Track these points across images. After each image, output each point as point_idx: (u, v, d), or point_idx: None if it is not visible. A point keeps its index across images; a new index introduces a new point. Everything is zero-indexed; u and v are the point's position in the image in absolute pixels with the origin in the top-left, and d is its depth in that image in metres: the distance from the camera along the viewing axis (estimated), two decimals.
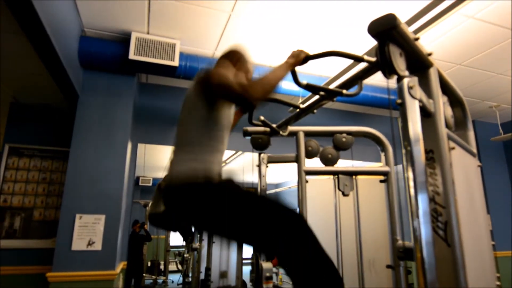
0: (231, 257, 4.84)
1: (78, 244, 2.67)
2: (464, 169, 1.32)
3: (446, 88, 1.41)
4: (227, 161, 6.41)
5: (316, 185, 2.52)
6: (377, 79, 3.60)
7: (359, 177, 2.51)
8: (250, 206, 1.22)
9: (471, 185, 1.38)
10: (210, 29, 2.84)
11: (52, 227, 3.17)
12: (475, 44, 2.99)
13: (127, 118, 3.09)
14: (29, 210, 3.24)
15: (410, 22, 2.19)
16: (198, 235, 5.17)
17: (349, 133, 2.46)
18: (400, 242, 2.07)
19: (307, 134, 2.47)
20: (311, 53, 1.41)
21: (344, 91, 1.46)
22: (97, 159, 2.89)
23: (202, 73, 1.41)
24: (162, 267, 7.64)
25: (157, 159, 6.74)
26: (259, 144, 2.46)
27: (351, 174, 2.42)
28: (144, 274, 6.72)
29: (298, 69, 1.50)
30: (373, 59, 1.19)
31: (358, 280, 2.37)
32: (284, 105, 1.92)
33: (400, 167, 4.28)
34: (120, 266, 3.21)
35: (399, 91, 1.05)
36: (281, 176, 9.26)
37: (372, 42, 1.15)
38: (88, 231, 2.72)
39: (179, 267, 7.46)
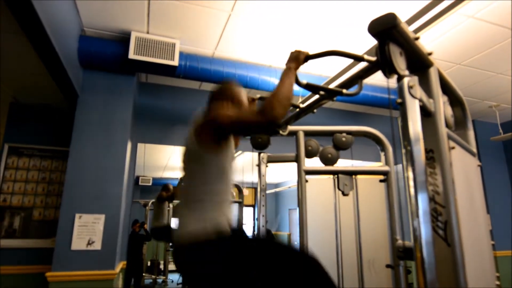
0: None
1: (78, 243, 2.67)
2: (464, 168, 1.32)
3: (446, 87, 1.41)
4: None
5: (316, 185, 2.52)
6: (377, 78, 3.60)
7: (359, 176, 2.51)
8: (265, 263, 1.22)
9: (471, 185, 1.38)
10: (210, 28, 2.83)
11: (51, 226, 3.17)
12: (475, 43, 2.99)
13: (126, 118, 3.08)
14: (29, 209, 3.24)
15: (410, 22, 2.19)
16: None
17: (349, 132, 2.46)
18: (400, 241, 2.07)
19: (307, 134, 2.47)
20: (311, 52, 1.41)
21: (344, 91, 1.46)
22: (96, 159, 2.89)
23: (199, 122, 1.38)
24: (162, 266, 7.64)
25: (157, 159, 6.73)
26: (258, 143, 2.46)
27: (351, 173, 2.42)
28: (143, 274, 6.72)
29: None
30: (373, 58, 1.19)
31: (358, 279, 2.38)
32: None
33: (400, 166, 4.28)
34: (120, 265, 3.21)
35: (399, 91, 1.05)
36: (280, 176, 9.26)
37: (372, 42, 1.15)
38: (87, 231, 2.72)
39: None
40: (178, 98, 3.99)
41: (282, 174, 8.78)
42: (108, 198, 2.85)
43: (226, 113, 1.33)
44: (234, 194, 5.98)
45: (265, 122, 1.20)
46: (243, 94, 1.56)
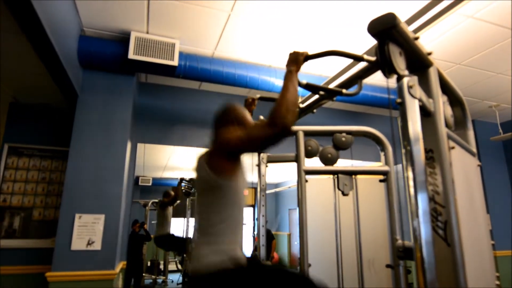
0: None
1: (78, 243, 2.67)
2: (463, 168, 1.32)
3: (446, 87, 1.41)
4: None
5: (316, 185, 2.52)
6: (377, 78, 3.60)
7: (358, 176, 2.51)
8: None
9: (470, 185, 1.38)
10: (209, 28, 2.83)
11: (51, 226, 3.17)
12: (474, 43, 2.99)
13: (126, 118, 3.08)
14: (29, 209, 3.24)
15: (409, 22, 2.19)
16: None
17: (348, 132, 2.46)
18: (399, 241, 2.07)
19: (307, 134, 2.47)
20: (310, 52, 1.41)
21: (344, 91, 1.46)
22: (96, 159, 2.89)
23: (209, 151, 1.40)
24: (161, 266, 7.63)
25: (156, 159, 6.73)
26: None
27: (351, 173, 2.42)
28: (143, 274, 6.71)
29: None
30: (373, 58, 1.19)
31: (358, 279, 2.38)
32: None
33: (399, 166, 4.28)
34: (120, 265, 3.21)
35: (399, 91, 1.05)
36: (280, 176, 9.26)
37: (372, 42, 1.15)
38: (87, 231, 2.72)
39: (179, 266, 7.46)
40: (177, 98, 3.99)
41: (282, 174, 8.78)
42: (108, 198, 2.85)
43: (236, 134, 1.33)
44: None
45: (277, 133, 1.20)
46: (246, 113, 1.56)
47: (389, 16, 1.03)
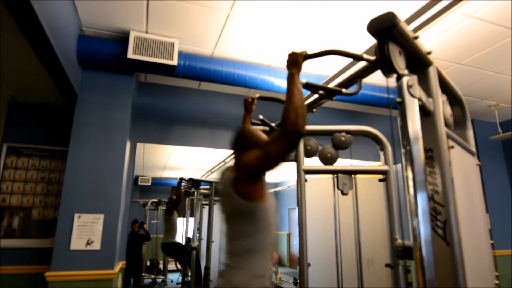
0: None
1: (77, 243, 2.67)
2: (463, 168, 1.32)
3: (445, 87, 1.41)
4: (226, 160, 6.40)
5: (315, 184, 2.52)
6: (376, 78, 3.60)
7: (358, 176, 2.51)
8: None
9: (470, 184, 1.38)
10: (209, 28, 2.83)
11: (50, 226, 3.17)
12: (474, 43, 2.99)
13: (125, 117, 3.08)
14: (28, 209, 3.23)
15: (409, 21, 2.19)
16: (198, 234, 5.17)
17: (348, 132, 2.46)
18: (399, 241, 2.07)
19: (306, 133, 2.46)
20: (310, 52, 1.40)
21: (343, 90, 1.46)
22: (95, 158, 2.88)
23: (232, 177, 1.41)
24: (161, 266, 7.64)
25: (156, 159, 6.73)
26: None
27: (350, 173, 2.42)
28: (143, 274, 6.72)
29: None
30: (373, 57, 1.19)
31: (357, 279, 2.38)
32: (283, 104, 1.91)
33: (399, 166, 4.29)
34: (119, 265, 3.21)
35: (399, 90, 1.05)
36: (280, 175, 9.26)
37: (371, 41, 1.15)
38: (87, 231, 2.72)
39: (178, 266, 7.46)
40: (177, 98, 3.99)
41: (282, 173, 8.78)
42: (107, 198, 2.85)
43: (254, 155, 1.35)
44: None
45: (292, 141, 1.22)
46: (258, 132, 1.57)
47: (389, 15, 1.03)
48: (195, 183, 4.72)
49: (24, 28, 1.97)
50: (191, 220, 6.02)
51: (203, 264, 4.68)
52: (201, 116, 4.03)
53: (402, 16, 1.11)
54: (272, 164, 1.32)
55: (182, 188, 5.32)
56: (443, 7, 1.99)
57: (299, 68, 1.37)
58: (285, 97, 1.29)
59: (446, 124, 1.24)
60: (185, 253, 5.60)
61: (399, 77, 1.06)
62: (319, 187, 2.56)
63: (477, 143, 4.60)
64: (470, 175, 1.42)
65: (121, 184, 2.95)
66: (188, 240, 5.63)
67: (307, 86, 1.48)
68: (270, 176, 9.25)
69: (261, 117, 2.19)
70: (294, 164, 2.41)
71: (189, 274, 5.27)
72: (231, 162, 1.63)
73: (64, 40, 2.40)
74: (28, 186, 3.29)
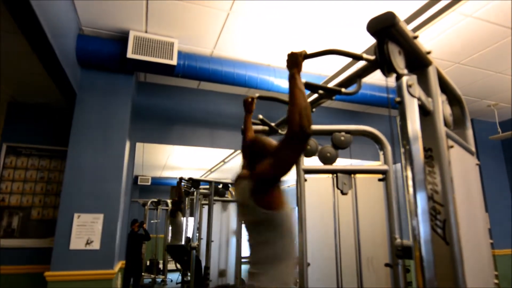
0: (230, 256, 4.84)
1: (76, 243, 2.67)
2: (462, 167, 1.32)
3: (445, 86, 1.41)
4: (226, 160, 6.40)
5: (315, 184, 2.52)
6: (376, 77, 3.60)
7: (357, 175, 2.51)
8: None
9: (469, 184, 1.38)
10: (208, 28, 2.83)
11: (50, 226, 3.16)
12: (473, 42, 2.99)
13: (125, 117, 3.08)
14: (27, 209, 3.23)
15: (409, 20, 2.19)
16: (197, 234, 5.17)
17: (347, 131, 2.46)
18: (398, 240, 2.07)
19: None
20: (309, 51, 1.40)
21: (343, 90, 1.46)
22: (95, 158, 2.88)
23: (252, 190, 1.42)
24: (161, 266, 7.64)
25: (155, 158, 6.72)
26: None
27: (350, 172, 2.42)
28: (143, 273, 6.72)
29: None
30: (372, 57, 1.19)
31: (357, 278, 2.38)
32: (283, 104, 1.92)
33: (398, 165, 4.29)
34: (119, 265, 3.21)
35: (398, 90, 1.05)
36: None
37: (371, 41, 1.15)
38: (86, 230, 2.72)
39: (178, 266, 7.46)
40: (176, 98, 3.99)
41: None
42: (106, 197, 2.85)
43: (266, 163, 1.37)
44: (234, 193, 5.99)
45: (300, 143, 1.24)
46: (267, 140, 1.57)
47: (388, 15, 1.03)
48: (194, 182, 4.72)
49: (23, 28, 1.96)
50: (191, 219, 6.02)
51: (202, 264, 4.68)
52: (200, 115, 4.02)
53: (401, 15, 1.11)
54: (286, 169, 1.34)
55: (182, 188, 5.32)
56: (442, 6, 1.99)
57: (299, 68, 1.37)
58: (288, 99, 1.30)
59: (446, 124, 1.24)
60: (187, 258, 5.61)
61: (399, 77, 1.06)
62: (319, 187, 2.56)
63: (477, 142, 4.60)
64: (470, 175, 1.43)
65: (121, 184, 2.95)
66: (187, 239, 5.63)
67: (307, 85, 1.48)
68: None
69: (260, 116, 2.19)
70: None
71: (189, 274, 5.28)
72: (242, 170, 1.65)
73: (63, 40, 2.40)
74: (27, 185, 3.28)
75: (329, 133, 2.48)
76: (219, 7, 2.56)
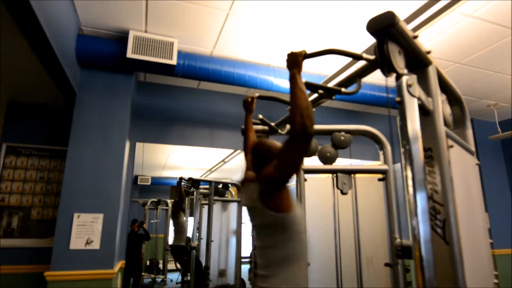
0: (230, 256, 4.84)
1: (76, 243, 2.67)
2: (462, 167, 1.32)
3: (444, 86, 1.41)
4: (226, 160, 6.40)
5: (315, 184, 2.52)
6: (376, 77, 3.60)
7: (357, 175, 2.51)
8: None
9: (469, 183, 1.38)
10: (208, 27, 2.83)
11: (50, 226, 3.16)
12: (473, 42, 2.99)
13: (125, 117, 3.08)
14: (27, 209, 3.23)
15: (408, 20, 2.19)
16: (197, 234, 5.17)
17: (347, 131, 2.46)
18: (398, 240, 2.07)
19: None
20: (309, 51, 1.40)
21: (343, 89, 1.46)
22: (95, 158, 2.88)
23: (260, 193, 1.42)
24: (161, 266, 7.63)
25: (155, 158, 6.72)
26: None
27: (350, 172, 2.42)
28: (142, 273, 6.71)
29: None
30: (372, 57, 1.19)
31: (357, 278, 2.38)
32: (283, 104, 1.92)
33: (398, 165, 4.29)
34: (119, 265, 3.20)
35: (398, 89, 1.05)
36: None
37: (371, 41, 1.15)
38: (86, 230, 2.72)
39: (178, 266, 7.46)
40: (176, 97, 3.99)
41: None
42: (106, 197, 2.84)
43: (272, 166, 1.37)
44: (234, 193, 5.99)
45: (304, 143, 1.25)
46: (272, 144, 1.58)
47: (388, 14, 1.03)
48: (194, 182, 4.72)
49: (23, 28, 1.96)
50: (191, 219, 6.02)
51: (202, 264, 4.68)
52: (200, 115, 4.02)
53: (401, 15, 1.11)
54: (292, 170, 1.35)
55: (182, 188, 5.32)
56: (442, 6, 1.99)
57: (299, 68, 1.38)
58: (290, 100, 1.30)
59: (446, 124, 1.24)
60: (188, 259, 5.61)
61: (399, 77, 1.06)
62: (319, 187, 2.56)
63: (477, 142, 4.60)
64: (470, 175, 1.43)
65: (121, 184, 2.95)
66: (187, 239, 5.63)
67: (307, 85, 1.48)
68: None
69: (260, 116, 2.19)
70: None
71: (189, 273, 5.27)
72: (247, 172, 1.65)
73: (63, 40, 2.40)
74: (27, 185, 3.28)
75: (329, 133, 2.48)
76: (219, 7, 2.56)
